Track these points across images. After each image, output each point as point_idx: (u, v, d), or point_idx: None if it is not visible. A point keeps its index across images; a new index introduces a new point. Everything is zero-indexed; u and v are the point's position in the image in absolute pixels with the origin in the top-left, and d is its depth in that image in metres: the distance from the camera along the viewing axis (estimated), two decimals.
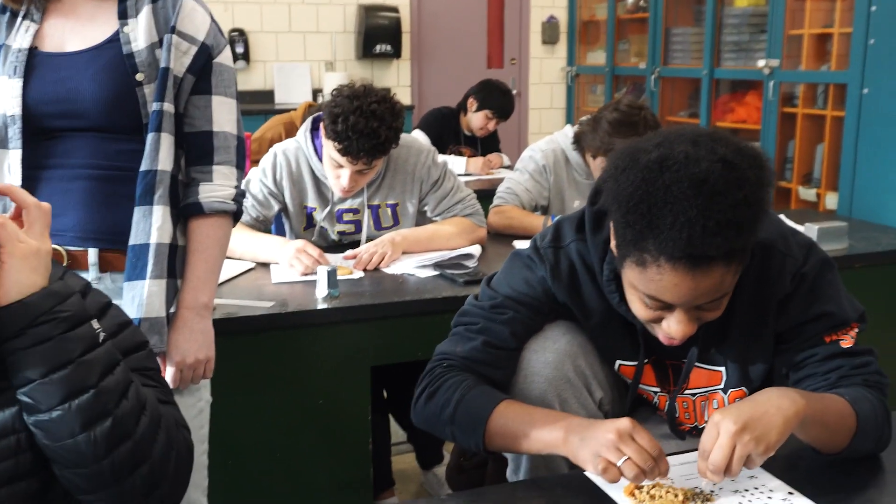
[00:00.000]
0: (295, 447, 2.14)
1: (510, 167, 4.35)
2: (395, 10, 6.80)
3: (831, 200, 5.23)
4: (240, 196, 1.69)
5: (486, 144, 4.74)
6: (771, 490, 1.23)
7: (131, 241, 1.55)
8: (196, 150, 1.64)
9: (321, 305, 2.09)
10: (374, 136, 2.33)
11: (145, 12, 1.56)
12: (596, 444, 1.20)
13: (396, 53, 6.91)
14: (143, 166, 1.55)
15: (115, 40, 1.56)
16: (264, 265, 2.43)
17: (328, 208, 2.60)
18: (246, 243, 2.47)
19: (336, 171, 2.46)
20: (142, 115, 1.57)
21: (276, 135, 3.72)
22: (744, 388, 1.44)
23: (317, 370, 2.13)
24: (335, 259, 2.44)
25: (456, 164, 4.36)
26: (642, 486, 1.20)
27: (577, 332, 1.46)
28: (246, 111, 6.52)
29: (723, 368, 1.43)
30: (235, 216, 1.70)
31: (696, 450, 1.18)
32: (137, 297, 1.54)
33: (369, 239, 2.57)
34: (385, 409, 2.61)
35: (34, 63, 1.56)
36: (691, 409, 1.48)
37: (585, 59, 7.67)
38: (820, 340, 1.35)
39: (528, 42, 7.54)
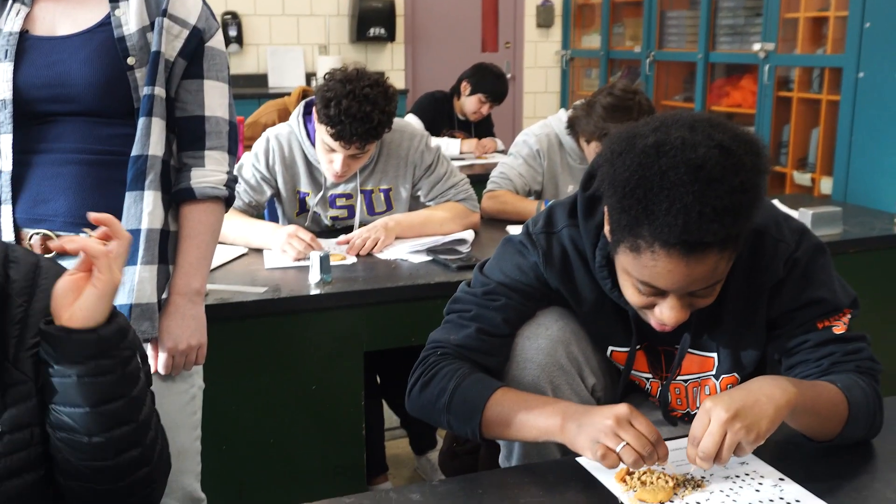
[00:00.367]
0: (288, 433, 2.14)
1: (504, 152, 4.34)
2: None
3: (826, 185, 5.23)
4: (232, 181, 1.68)
5: (479, 129, 4.72)
6: (762, 476, 1.23)
7: (123, 227, 1.54)
8: (188, 134, 1.63)
9: (314, 291, 2.09)
10: (366, 121, 2.32)
11: None
12: (594, 431, 1.20)
13: (390, 37, 6.88)
14: (134, 151, 1.54)
15: (106, 24, 1.55)
16: (257, 251, 2.42)
17: (321, 193, 2.59)
18: (238, 229, 2.46)
19: (329, 156, 2.45)
20: (133, 100, 1.56)
21: (269, 120, 3.69)
22: (736, 375, 1.44)
23: (310, 356, 2.13)
24: (328, 244, 2.44)
25: (450, 145, 4.35)
26: (633, 473, 1.20)
27: (569, 318, 1.45)
28: (239, 95, 6.51)
29: (715, 355, 1.43)
30: (228, 202, 1.68)
31: (687, 436, 1.18)
32: (128, 283, 1.53)
33: (362, 224, 2.56)
34: (378, 395, 2.61)
35: (25, 47, 1.54)
36: (683, 396, 1.48)
37: (580, 42, 7.64)
38: (812, 326, 1.35)
39: (523, 25, 7.51)
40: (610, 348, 1.48)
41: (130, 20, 1.54)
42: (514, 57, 7.59)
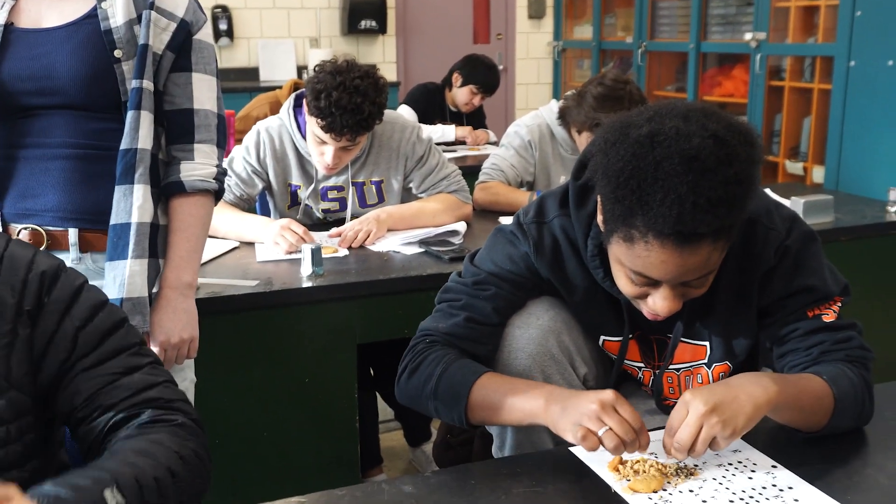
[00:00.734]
0: (281, 426, 2.14)
1: (496, 143, 4.33)
2: None
3: (818, 174, 5.24)
4: (221, 174, 1.67)
5: (471, 120, 4.71)
6: (755, 464, 1.23)
7: (112, 221, 1.54)
8: (177, 128, 1.62)
9: (306, 284, 2.08)
10: (357, 112, 2.31)
11: None
12: (577, 414, 1.19)
13: (382, 29, 6.86)
14: (123, 145, 1.53)
15: (92, 16, 1.54)
16: (249, 244, 2.42)
17: (312, 186, 2.58)
18: (230, 222, 2.46)
19: (320, 148, 2.44)
20: (120, 93, 1.55)
21: (261, 113, 3.68)
22: (728, 363, 1.44)
23: (303, 349, 2.13)
24: (320, 237, 2.43)
25: (446, 132, 4.35)
26: (626, 462, 1.20)
27: (560, 308, 1.45)
28: (230, 89, 6.48)
29: (707, 343, 1.43)
30: (217, 195, 1.68)
31: None
32: (119, 277, 1.52)
33: (354, 216, 2.56)
34: (372, 387, 2.61)
35: (9, 39, 1.53)
36: (676, 385, 1.48)
37: (572, 33, 7.63)
38: (803, 315, 1.34)
39: (515, 17, 7.49)
40: (602, 338, 1.47)
41: (117, 13, 1.53)
42: (505, 48, 7.58)
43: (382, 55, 7.05)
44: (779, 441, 1.29)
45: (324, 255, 2.26)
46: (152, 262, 1.57)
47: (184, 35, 1.59)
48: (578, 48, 7.53)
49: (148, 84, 1.54)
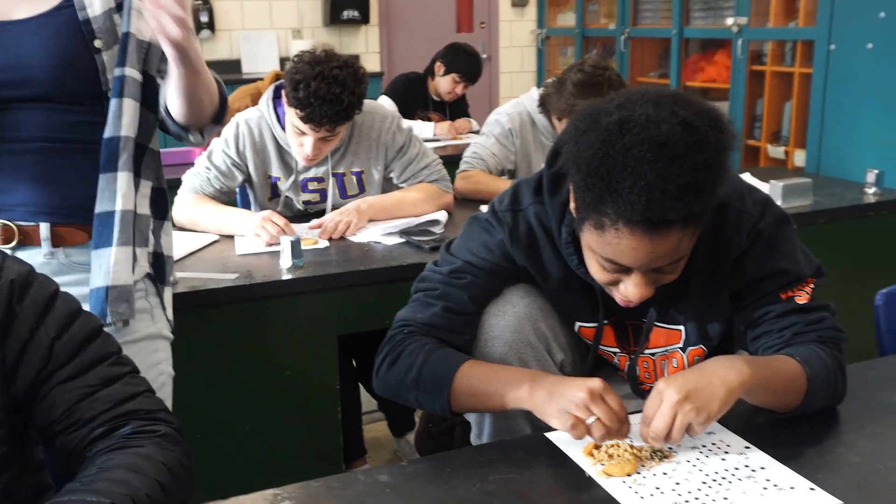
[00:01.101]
0: (263, 419, 2.14)
1: (479, 132, 4.33)
2: None
3: (799, 157, 5.26)
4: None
5: (454, 109, 4.71)
6: (728, 445, 1.24)
7: (97, 210, 1.53)
8: None
9: (286, 276, 2.08)
10: (336, 102, 2.30)
11: None
12: (565, 402, 1.20)
13: (364, 19, 6.84)
14: (107, 133, 1.52)
15: (66, 6, 1.52)
16: (228, 237, 2.41)
17: (292, 177, 2.57)
18: (210, 215, 2.45)
19: (299, 139, 2.44)
20: (101, 83, 1.54)
21: (242, 105, 3.66)
22: (703, 347, 1.44)
23: (284, 341, 2.13)
24: (300, 229, 2.43)
25: (423, 129, 4.34)
26: (600, 446, 1.21)
27: (536, 295, 1.45)
28: None
29: (682, 327, 1.44)
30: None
31: None
32: (104, 265, 1.52)
33: (335, 207, 2.55)
34: (354, 379, 2.61)
35: None
36: (651, 369, 1.49)
37: (555, 21, 7.62)
38: (776, 297, 1.35)
39: (498, 5, 7.48)
40: (577, 324, 1.48)
41: (95, 2, 1.52)
42: (489, 37, 7.57)
43: (366, 45, 7.03)
44: (752, 422, 1.30)
45: (304, 247, 2.26)
46: (138, 250, 1.57)
47: None
48: (562, 35, 7.53)
49: (132, 72, 1.53)
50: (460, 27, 7.39)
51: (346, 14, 6.75)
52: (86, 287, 1.56)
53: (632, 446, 1.21)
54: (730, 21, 5.46)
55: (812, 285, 1.36)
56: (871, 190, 2.83)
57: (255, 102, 3.54)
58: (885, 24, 4.55)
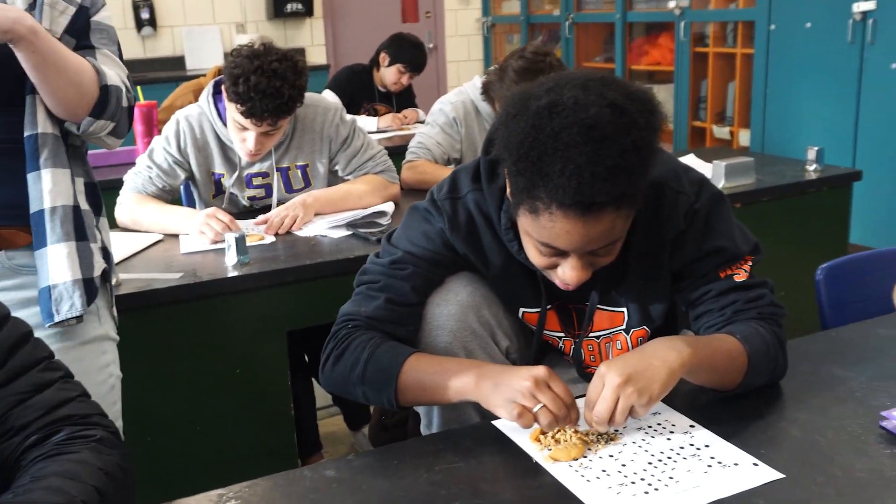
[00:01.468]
0: (214, 418, 2.12)
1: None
2: None
3: (744, 137, 5.34)
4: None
5: (401, 100, 4.69)
6: (673, 425, 1.25)
7: (31, 210, 1.50)
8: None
9: (232, 273, 2.05)
10: (277, 96, 2.28)
11: None
12: (510, 391, 1.20)
13: (308, 12, 6.78)
14: (26, 131, 1.49)
15: None
16: (173, 236, 2.38)
17: (236, 173, 2.54)
18: (153, 215, 2.41)
19: (241, 135, 2.41)
20: (26, 81, 1.50)
21: (185, 102, 3.60)
22: (646, 328, 1.45)
23: (232, 339, 2.10)
24: (246, 225, 2.40)
25: (367, 122, 4.31)
26: (547, 432, 1.21)
27: (479, 282, 1.45)
28: (154, 79, 6.34)
29: (624, 309, 1.44)
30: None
31: None
32: (44, 266, 1.49)
33: (281, 202, 2.53)
34: (307, 374, 2.59)
35: None
36: (596, 352, 1.49)
37: (500, 8, 7.63)
38: (714, 276, 1.36)
39: None
40: (521, 310, 1.48)
41: (17, 1, 1.48)
42: (435, 26, 7.55)
43: (311, 38, 6.97)
44: (697, 401, 1.31)
45: (250, 243, 2.24)
46: (82, 245, 1.53)
47: (83, 19, 1.55)
48: (507, 23, 7.54)
49: None
50: (406, 17, 7.36)
51: (290, 7, 6.69)
52: (30, 290, 1.53)
53: (577, 431, 1.22)
54: (672, 4, 5.51)
55: (750, 263, 1.38)
56: (812, 167, 2.88)
57: (197, 99, 3.50)
58: (822, 3, 4.62)
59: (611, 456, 1.18)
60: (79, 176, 1.59)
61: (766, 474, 1.10)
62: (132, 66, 6.56)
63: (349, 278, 2.11)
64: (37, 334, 1.18)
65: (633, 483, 1.10)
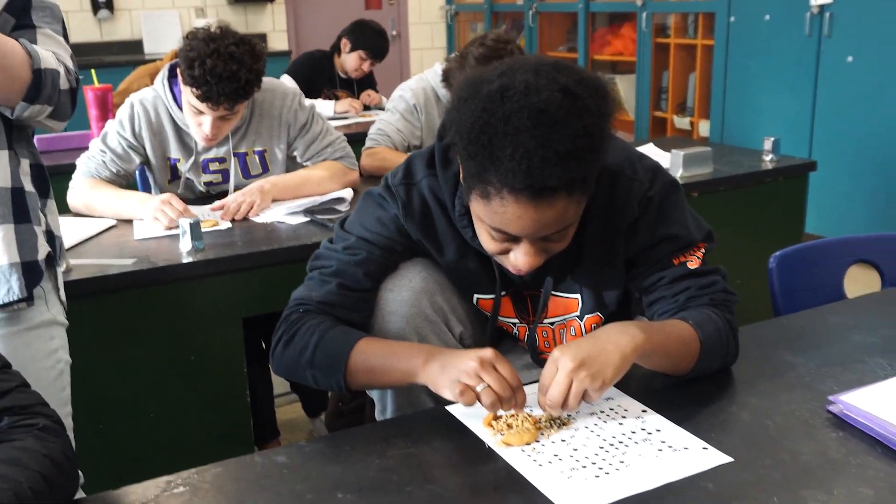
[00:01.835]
0: (169, 405, 2.09)
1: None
2: None
3: (704, 128, 5.38)
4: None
5: (362, 87, 4.66)
6: (626, 410, 1.26)
7: None
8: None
9: (186, 259, 2.03)
10: (233, 80, 2.25)
11: None
12: (456, 371, 1.20)
13: None
14: None
15: None
16: (127, 222, 2.34)
17: (192, 158, 2.51)
18: (107, 200, 2.37)
19: (197, 119, 2.38)
20: None
21: (142, 86, 3.54)
22: (599, 314, 1.46)
23: (187, 325, 2.08)
24: (202, 211, 2.37)
25: (324, 107, 4.28)
26: (500, 417, 1.21)
27: (433, 269, 1.45)
28: (112, 63, 6.23)
29: (578, 296, 1.45)
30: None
31: None
32: None
33: (238, 188, 2.50)
34: (263, 360, 2.57)
35: None
36: (550, 338, 1.50)
37: None
38: (668, 263, 1.37)
39: None
40: (476, 296, 1.48)
41: None
42: (398, 13, 7.52)
43: (272, 23, 6.90)
44: (650, 386, 1.32)
45: (205, 229, 2.21)
46: (23, 227, 1.49)
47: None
48: (471, 11, 7.52)
49: None
50: (369, 4, 7.31)
51: None
52: None
53: (530, 416, 1.22)
54: None
55: (703, 250, 1.38)
56: (769, 157, 2.91)
57: (153, 83, 3.45)
58: None
59: (563, 441, 1.18)
60: (24, 157, 1.55)
61: (716, 458, 1.11)
62: (88, 49, 6.46)
63: (307, 265, 2.11)
64: None
65: (584, 467, 1.10)
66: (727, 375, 1.36)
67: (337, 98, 4.54)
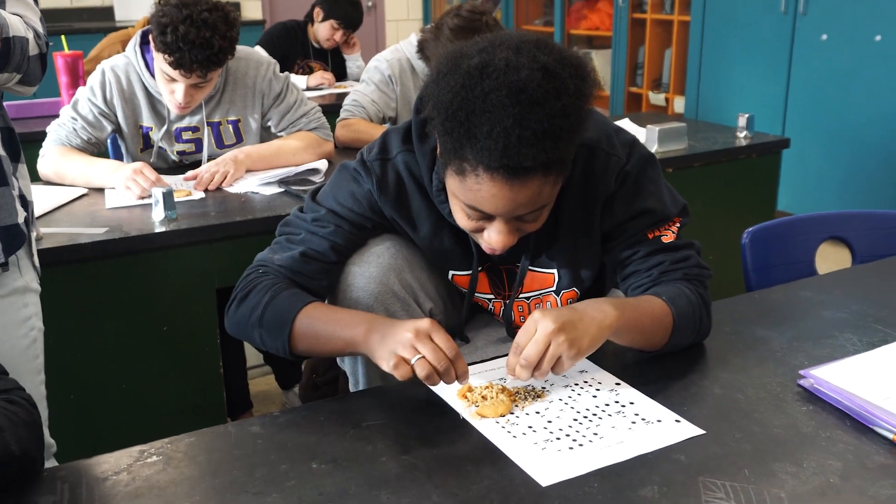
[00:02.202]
0: (141, 375, 2.08)
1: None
2: None
3: (679, 104, 5.40)
4: None
5: (336, 57, 4.61)
6: (599, 383, 1.26)
7: None
8: None
9: (159, 229, 2.00)
10: (206, 47, 2.21)
11: None
12: (393, 342, 1.18)
13: None
14: None
15: None
16: (98, 191, 2.31)
17: (165, 127, 2.47)
18: (78, 168, 2.34)
19: (170, 87, 2.34)
20: None
21: (113, 53, 3.50)
22: (575, 289, 1.46)
23: (159, 296, 2.06)
24: (175, 181, 2.34)
25: (297, 82, 4.23)
26: (474, 389, 1.22)
27: (402, 245, 1.43)
28: (82, 29, 6.12)
29: (554, 271, 1.44)
30: None
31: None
32: None
33: (211, 158, 2.47)
34: None
35: None
36: (526, 313, 1.50)
37: None
38: (643, 237, 1.37)
39: None
40: (451, 272, 1.47)
41: None
42: None
43: None
44: (623, 360, 1.33)
45: (178, 199, 2.19)
46: (1, 190, 1.47)
47: None
48: None
49: None
50: None
51: None
52: None
53: (505, 387, 1.22)
54: None
55: (678, 224, 1.39)
56: (743, 134, 2.92)
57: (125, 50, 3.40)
58: None
59: (537, 412, 1.18)
60: None
61: (688, 430, 1.12)
62: (58, 15, 6.33)
63: (276, 231, 2.10)
64: None
65: (558, 439, 1.11)
66: (699, 349, 1.37)
67: (311, 69, 4.50)
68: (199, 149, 2.53)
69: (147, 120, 2.46)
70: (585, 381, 1.27)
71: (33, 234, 1.62)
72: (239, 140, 2.56)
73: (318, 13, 4.40)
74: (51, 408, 1.63)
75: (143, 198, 2.19)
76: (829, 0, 4.34)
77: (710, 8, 4.97)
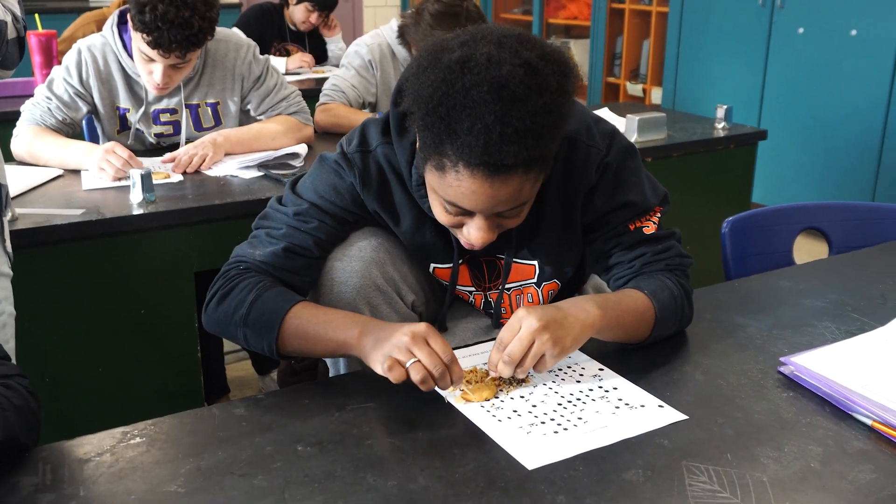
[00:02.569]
0: (118, 359, 2.06)
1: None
2: None
3: (657, 95, 5.42)
4: None
5: (313, 40, 4.58)
6: (583, 369, 1.27)
7: None
8: None
9: (137, 211, 1.98)
10: (186, 27, 2.18)
11: None
12: (388, 346, 1.17)
13: None
14: None
15: None
16: (74, 172, 2.28)
17: (142, 109, 2.45)
18: (51, 149, 2.31)
19: (148, 67, 2.31)
20: None
21: (88, 33, 3.45)
22: (557, 281, 1.46)
23: (137, 279, 2.04)
24: (152, 163, 2.32)
25: (276, 64, 4.20)
26: None
27: (384, 238, 1.42)
28: (56, 9, 6.03)
29: (536, 262, 1.44)
30: None
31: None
32: None
33: (189, 140, 2.45)
34: None
35: None
36: (507, 304, 1.49)
37: None
38: (625, 229, 1.37)
39: None
40: (432, 265, 1.46)
41: None
42: None
43: None
44: (606, 346, 1.33)
45: (157, 181, 2.16)
46: None
47: None
48: None
49: None
50: None
51: None
52: None
53: (489, 372, 1.22)
54: None
55: (659, 214, 1.39)
56: (721, 124, 2.94)
57: (100, 30, 3.35)
58: None
59: (522, 397, 1.19)
60: None
61: (671, 415, 1.13)
62: None
63: (252, 223, 2.08)
64: None
65: (543, 423, 1.12)
66: (681, 336, 1.38)
67: (287, 52, 4.46)
68: (177, 131, 2.50)
69: (124, 101, 2.43)
70: (569, 367, 1.28)
71: (5, 218, 1.60)
72: (218, 123, 2.54)
73: None
74: None
75: (118, 179, 2.16)
76: None
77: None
